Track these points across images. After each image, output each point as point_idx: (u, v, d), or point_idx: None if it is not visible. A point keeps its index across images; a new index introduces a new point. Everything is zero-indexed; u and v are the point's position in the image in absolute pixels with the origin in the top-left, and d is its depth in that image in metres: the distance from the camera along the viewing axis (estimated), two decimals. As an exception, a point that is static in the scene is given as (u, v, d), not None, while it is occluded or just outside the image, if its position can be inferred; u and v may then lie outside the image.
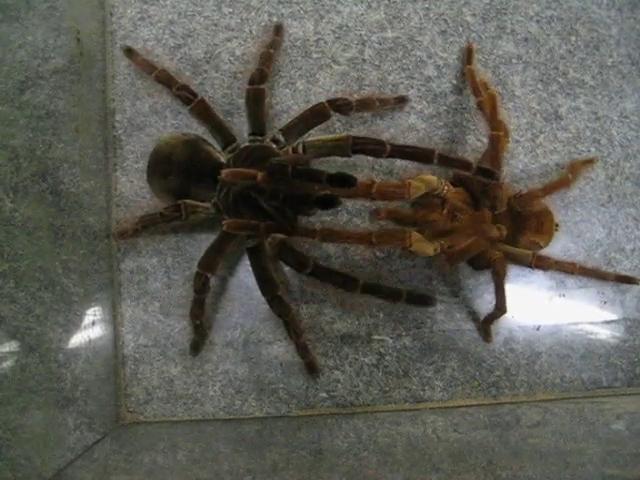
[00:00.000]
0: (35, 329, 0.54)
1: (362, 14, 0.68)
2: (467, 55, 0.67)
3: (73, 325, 0.60)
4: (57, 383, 0.56)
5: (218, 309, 0.66)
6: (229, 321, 0.66)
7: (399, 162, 0.66)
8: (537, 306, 0.65)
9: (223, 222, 0.56)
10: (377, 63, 0.68)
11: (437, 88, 0.68)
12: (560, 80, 0.68)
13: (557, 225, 0.62)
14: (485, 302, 0.65)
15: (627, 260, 0.67)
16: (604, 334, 0.66)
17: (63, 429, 0.56)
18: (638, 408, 0.63)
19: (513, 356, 0.65)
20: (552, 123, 0.68)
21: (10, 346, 0.51)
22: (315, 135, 0.63)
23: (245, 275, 0.66)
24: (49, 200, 0.58)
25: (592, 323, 0.66)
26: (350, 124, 0.67)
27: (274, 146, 0.62)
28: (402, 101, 0.67)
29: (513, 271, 0.63)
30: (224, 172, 0.53)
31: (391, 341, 0.65)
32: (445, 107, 0.68)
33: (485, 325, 0.64)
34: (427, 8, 0.69)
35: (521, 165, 0.67)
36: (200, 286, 0.61)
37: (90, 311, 0.62)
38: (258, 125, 0.63)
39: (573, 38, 0.69)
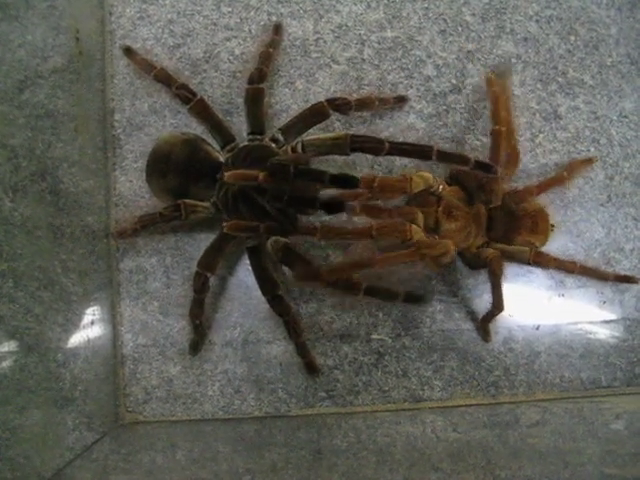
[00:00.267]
0: (34, 329, 0.54)
1: (361, 14, 0.68)
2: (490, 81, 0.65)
3: (72, 325, 0.60)
4: (56, 383, 0.56)
5: (217, 309, 0.66)
6: (228, 321, 0.66)
7: (398, 160, 0.66)
8: (536, 306, 0.65)
9: (224, 224, 0.56)
10: (376, 63, 0.68)
11: (436, 87, 0.68)
12: (559, 80, 0.68)
13: (553, 225, 0.62)
14: (484, 302, 0.65)
15: (626, 260, 0.67)
16: (603, 334, 0.66)
17: (62, 429, 0.56)
18: (637, 408, 0.63)
19: (512, 356, 0.65)
20: (551, 123, 0.68)
21: (9, 346, 0.51)
22: (314, 134, 0.63)
23: (245, 275, 0.65)
24: (48, 200, 0.58)
25: (591, 323, 0.66)
26: (349, 123, 0.67)
27: (273, 145, 0.62)
28: (401, 100, 0.67)
29: (512, 270, 0.63)
30: (227, 174, 0.53)
31: (390, 341, 0.65)
32: (444, 106, 0.68)
33: (484, 324, 0.64)
34: (426, 8, 0.69)
35: (520, 164, 0.67)
36: (199, 286, 0.61)
37: (89, 311, 0.62)
38: (257, 124, 0.63)
39: (572, 38, 0.69)
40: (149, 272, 0.67)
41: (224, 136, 0.64)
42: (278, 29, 0.67)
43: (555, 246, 0.65)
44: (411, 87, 0.68)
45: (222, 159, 0.62)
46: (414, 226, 0.55)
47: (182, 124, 0.68)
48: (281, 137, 0.62)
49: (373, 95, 0.64)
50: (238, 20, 0.69)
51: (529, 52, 0.68)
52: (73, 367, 0.58)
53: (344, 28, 0.68)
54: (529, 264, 0.59)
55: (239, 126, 0.67)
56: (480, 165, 0.55)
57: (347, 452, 0.56)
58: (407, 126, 0.67)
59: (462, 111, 0.68)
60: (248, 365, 0.65)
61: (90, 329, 0.62)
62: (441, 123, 0.68)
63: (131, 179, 0.68)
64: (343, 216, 0.65)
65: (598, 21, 0.69)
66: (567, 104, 0.68)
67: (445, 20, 0.68)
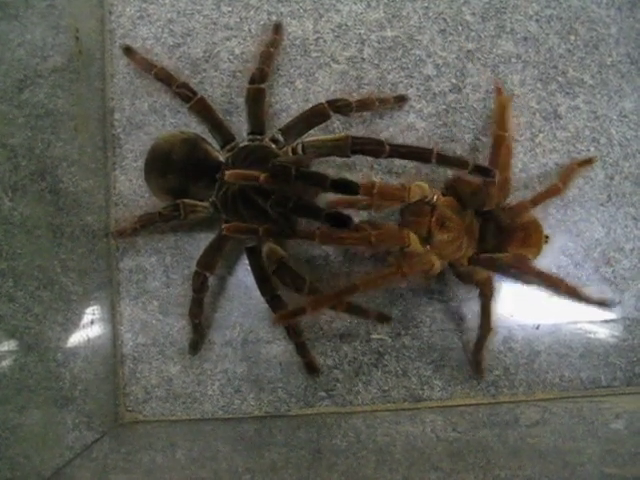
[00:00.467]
0: (34, 328, 0.54)
1: (361, 13, 0.68)
2: (497, 90, 0.66)
3: (72, 324, 0.60)
4: (56, 382, 0.56)
5: (217, 308, 0.66)
6: (228, 320, 0.66)
7: (398, 161, 0.66)
8: (536, 305, 0.65)
9: (223, 226, 0.56)
10: (376, 62, 0.68)
11: (436, 87, 0.68)
12: (559, 79, 0.68)
13: (547, 237, 0.61)
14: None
15: (626, 259, 0.67)
16: (603, 333, 0.66)
17: (62, 428, 0.56)
18: (637, 407, 0.63)
19: (512, 355, 0.65)
20: (551, 122, 0.68)
21: (9, 345, 0.51)
22: (314, 135, 0.63)
23: (244, 274, 0.65)
24: (48, 199, 0.58)
25: (591, 322, 0.66)
26: (349, 123, 0.67)
27: (273, 146, 0.62)
28: (401, 100, 0.67)
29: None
30: (227, 173, 0.53)
31: (390, 340, 0.65)
32: (444, 106, 0.68)
33: (476, 355, 0.63)
34: (426, 7, 0.68)
35: (520, 164, 0.67)
36: (199, 285, 0.61)
37: (89, 310, 0.62)
38: (258, 124, 0.63)
39: (572, 37, 0.69)
40: (149, 271, 0.67)
41: (224, 136, 0.64)
42: (278, 28, 0.67)
43: (555, 245, 0.65)
44: (411, 86, 0.68)
45: (222, 159, 0.62)
46: (412, 234, 0.55)
47: (182, 123, 0.68)
48: (281, 138, 0.62)
49: (373, 95, 0.64)
50: (238, 19, 0.69)
51: (529, 51, 0.68)
52: (73, 366, 0.58)
53: (344, 27, 0.68)
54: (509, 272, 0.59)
55: (239, 126, 0.67)
56: (479, 169, 0.55)
57: (347, 452, 0.56)
58: (407, 125, 0.67)
59: (462, 110, 0.68)
60: (248, 365, 0.65)
61: (90, 328, 0.62)
62: (441, 122, 0.68)
63: (131, 178, 0.68)
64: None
65: (598, 20, 0.69)
66: (567, 104, 0.68)
67: (445, 19, 0.68)
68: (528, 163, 0.67)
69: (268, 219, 0.57)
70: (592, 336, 0.66)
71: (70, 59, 0.62)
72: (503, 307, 0.65)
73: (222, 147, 0.64)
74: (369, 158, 0.65)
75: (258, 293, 0.60)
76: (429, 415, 0.62)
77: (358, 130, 0.67)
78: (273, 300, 0.60)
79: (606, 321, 0.66)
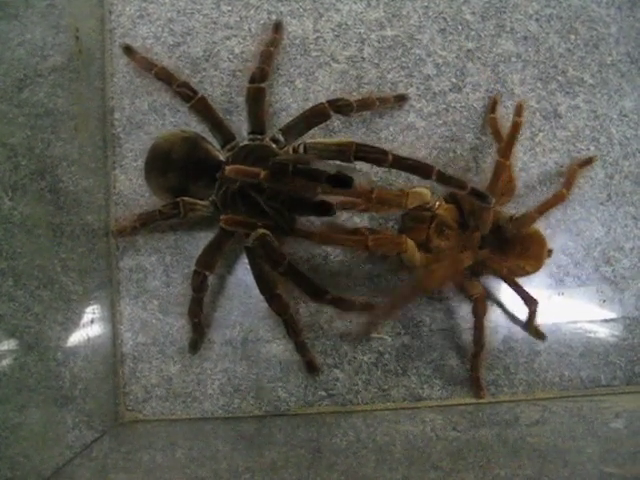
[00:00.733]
0: (34, 327, 0.54)
1: (361, 12, 0.68)
2: (492, 105, 0.66)
3: (72, 323, 0.60)
4: (56, 381, 0.56)
5: (217, 307, 0.66)
6: (228, 319, 0.66)
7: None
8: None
9: (221, 217, 0.56)
10: (376, 61, 0.68)
11: (436, 86, 0.68)
12: (559, 79, 0.68)
13: (550, 251, 0.61)
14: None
15: (626, 259, 0.67)
16: (603, 332, 0.66)
17: (62, 427, 0.56)
18: (637, 407, 0.63)
19: (512, 354, 0.65)
20: (551, 122, 0.68)
21: (9, 344, 0.51)
22: (317, 136, 0.63)
23: (244, 273, 0.65)
24: (48, 198, 0.58)
25: (591, 321, 0.66)
26: (349, 122, 0.67)
27: (273, 145, 0.62)
28: (402, 99, 0.67)
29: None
30: (228, 168, 0.53)
31: (390, 339, 0.65)
32: (444, 105, 0.68)
33: (475, 374, 0.63)
34: (426, 6, 0.68)
35: (520, 164, 0.67)
36: (198, 284, 0.61)
37: (89, 309, 0.62)
38: (258, 124, 0.63)
39: (572, 37, 0.69)
40: (149, 271, 0.67)
41: (224, 135, 0.64)
42: (278, 27, 0.67)
43: (556, 245, 0.65)
44: (411, 86, 0.68)
45: (222, 158, 0.62)
46: (409, 240, 0.55)
47: (182, 123, 0.68)
48: (281, 137, 0.62)
49: (373, 95, 0.64)
50: (238, 19, 0.69)
51: (529, 51, 0.68)
52: (73, 366, 0.58)
53: (344, 27, 0.68)
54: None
55: (239, 125, 0.67)
56: (476, 193, 0.55)
57: (347, 451, 0.56)
58: (407, 125, 0.67)
59: (462, 110, 0.68)
60: (248, 364, 0.65)
61: (90, 328, 0.62)
62: (441, 122, 0.67)
63: (131, 178, 0.68)
64: (342, 217, 0.65)
65: (598, 20, 0.69)
66: (567, 103, 0.68)
67: (445, 19, 0.68)
68: (528, 162, 0.67)
69: (268, 219, 0.57)
70: (592, 335, 0.66)
71: (70, 58, 0.62)
72: (503, 307, 0.65)
73: (222, 146, 0.64)
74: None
75: (258, 292, 0.60)
76: (429, 414, 0.62)
77: (357, 129, 0.67)
78: (272, 299, 0.60)
79: (606, 320, 0.66)
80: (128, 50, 0.67)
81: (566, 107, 0.68)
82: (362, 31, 0.68)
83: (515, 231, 0.60)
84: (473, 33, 0.68)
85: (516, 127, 0.59)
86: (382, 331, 0.65)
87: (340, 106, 0.61)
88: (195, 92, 0.63)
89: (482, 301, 0.59)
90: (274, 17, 0.68)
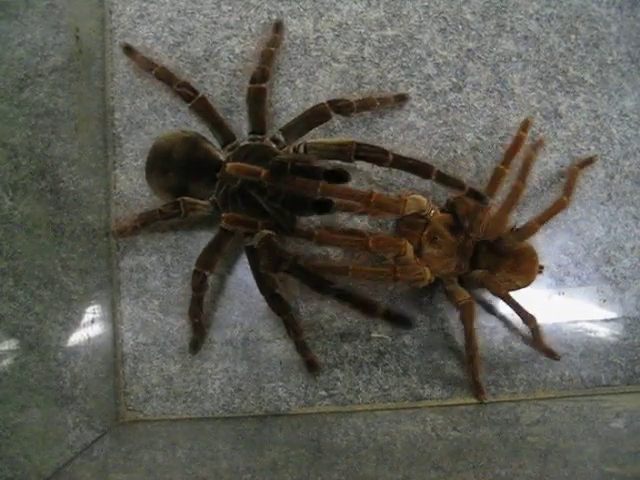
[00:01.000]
0: (34, 327, 0.54)
1: (362, 12, 0.68)
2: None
3: (72, 323, 0.60)
4: (56, 381, 0.56)
5: (217, 307, 0.66)
6: (228, 319, 0.66)
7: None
8: (536, 304, 0.65)
9: (222, 215, 0.56)
10: (377, 61, 0.68)
11: (437, 86, 0.68)
12: (560, 78, 0.68)
13: (541, 267, 0.61)
14: (483, 300, 0.65)
15: (626, 258, 0.67)
16: (603, 332, 0.66)
17: (62, 427, 0.56)
18: (637, 406, 0.63)
19: (512, 354, 0.65)
20: (552, 121, 0.68)
21: (9, 344, 0.51)
22: (318, 136, 0.63)
23: (244, 273, 0.65)
24: (48, 198, 0.58)
25: (591, 321, 0.66)
26: (349, 122, 0.67)
27: (274, 145, 0.62)
28: (402, 99, 0.67)
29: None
30: (229, 165, 0.53)
31: (390, 339, 0.65)
32: (445, 105, 0.68)
33: (474, 377, 0.62)
34: (427, 6, 0.68)
35: (520, 163, 0.67)
36: (198, 284, 0.61)
37: (89, 309, 0.62)
38: (258, 124, 0.63)
39: (573, 36, 0.69)
40: (149, 270, 0.67)
41: (225, 135, 0.64)
42: (279, 27, 0.67)
43: (556, 245, 0.65)
44: (411, 85, 0.68)
45: (222, 158, 0.62)
46: (409, 244, 0.56)
47: (182, 122, 0.68)
48: (282, 137, 0.62)
49: (374, 95, 0.64)
50: (238, 18, 0.68)
51: (529, 50, 0.68)
52: (73, 365, 0.58)
53: (344, 26, 0.68)
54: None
55: (239, 125, 0.67)
56: (474, 193, 0.56)
57: (347, 451, 0.56)
58: (407, 124, 0.67)
59: (462, 109, 0.68)
60: (248, 363, 0.65)
61: (90, 328, 0.62)
62: (441, 121, 0.67)
63: (131, 177, 0.68)
64: (342, 218, 0.65)
65: (598, 19, 0.69)
66: (567, 102, 0.68)
67: (445, 18, 0.68)
68: (528, 162, 0.67)
69: (268, 219, 0.57)
70: (592, 335, 0.66)
71: (70, 58, 0.62)
72: (504, 307, 0.65)
73: (223, 146, 0.64)
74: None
75: (258, 292, 0.60)
76: (429, 414, 0.62)
77: (358, 128, 0.67)
78: (272, 298, 0.60)
79: (607, 320, 0.66)
80: (128, 50, 0.67)
81: (566, 107, 0.68)
82: (362, 31, 0.68)
83: (509, 244, 0.60)
84: (473, 33, 0.68)
85: (519, 140, 0.62)
86: (383, 331, 0.65)
87: (340, 106, 0.61)
88: (195, 92, 0.64)
89: (469, 307, 0.60)
90: (274, 17, 0.68)
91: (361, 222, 0.66)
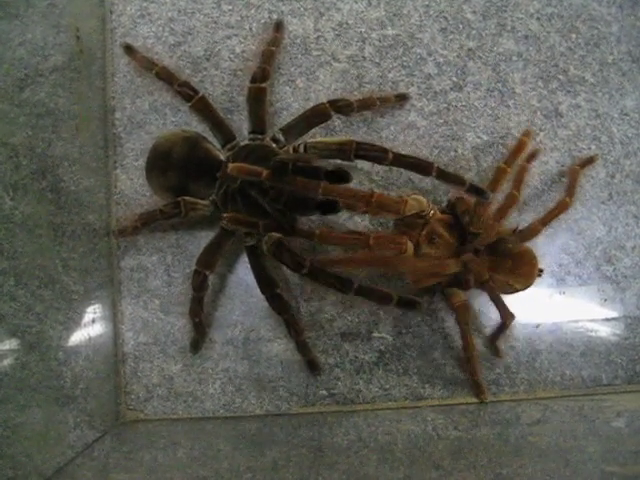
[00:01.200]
0: (35, 327, 0.54)
1: (362, 11, 0.68)
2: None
3: (73, 323, 0.60)
4: (57, 381, 0.56)
5: (218, 307, 0.66)
6: (229, 319, 0.66)
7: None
8: (537, 304, 0.65)
9: (224, 215, 0.56)
10: (377, 60, 0.68)
11: (437, 85, 0.68)
12: (560, 77, 0.68)
13: (541, 271, 0.61)
14: (484, 300, 0.65)
15: (627, 258, 0.67)
16: (604, 332, 0.66)
17: (63, 427, 0.56)
18: (638, 406, 0.63)
19: (513, 354, 0.65)
20: (552, 121, 0.68)
21: (10, 344, 0.51)
22: (318, 136, 0.63)
23: (245, 273, 0.65)
24: (49, 198, 0.58)
25: (592, 321, 0.66)
26: (350, 121, 0.67)
27: (274, 145, 0.62)
28: (403, 99, 0.67)
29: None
30: (231, 166, 0.53)
31: (391, 339, 0.65)
32: (445, 104, 0.68)
33: (474, 377, 0.63)
34: (427, 5, 0.68)
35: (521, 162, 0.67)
36: (198, 284, 0.61)
37: (90, 309, 0.62)
38: (259, 123, 0.63)
39: (573, 35, 0.69)
40: (150, 270, 0.67)
41: (225, 134, 0.64)
42: (279, 27, 0.67)
43: (557, 244, 0.65)
44: (412, 85, 0.68)
45: (222, 157, 0.62)
46: (410, 243, 0.56)
47: (182, 122, 0.68)
48: (282, 137, 0.62)
49: (374, 95, 0.64)
50: (239, 18, 0.68)
51: (530, 50, 0.68)
52: (74, 365, 0.58)
53: (345, 26, 0.68)
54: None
55: (239, 124, 0.67)
56: (474, 189, 0.56)
57: (348, 450, 0.56)
58: (408, 124, 0.67)
59: (463, 109, 0.68)
60: (249, 363, 0.65)
61: (91, 327, 0.62)
62: (442, 121, 0.67)
63: (132, 177, 0.68)
64: (343, 217, 0.65)
65: (599, 19, 0.69)
66: (568, 102, 0.68)
67: (446, 18, 0.68)
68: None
69: (268, 218, 0.57)
70: (593, 334, 0.66)
71: (71, 58, 0.62)
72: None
73: (223, 146, 0.64)
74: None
75: (259, 291, 0.60)
76: (430, 413, 0.62)
77: (358, 128, 0.67)
78: (273, 298, 0.60)
79: (607, 319, 0.66)
80: (129, 49, 0.67)
81: (567, 106, 0.68)
82: (363, 30, 0.68)
83: (510, 245, 0.60)
84: (474, 32, 0.68)
85: (523, 143, 0.63)
86: (383, 330, 0.65)
87: (341, 106, 0.61)
88: (196, 91, 0.64)
89: (464, 309, 0.60)
90: (275, 16, 0.68)
91: (362, 221, 0.66)
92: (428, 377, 0.65)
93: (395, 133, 0.67)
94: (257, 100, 0.63)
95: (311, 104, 0.63)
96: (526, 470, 0.50)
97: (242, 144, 0.63)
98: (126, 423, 0.65)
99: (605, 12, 0.69)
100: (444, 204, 0.63)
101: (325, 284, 0.56)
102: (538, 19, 0.69)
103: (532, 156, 0.65)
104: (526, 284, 0.61)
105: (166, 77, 0.65)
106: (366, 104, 0.63)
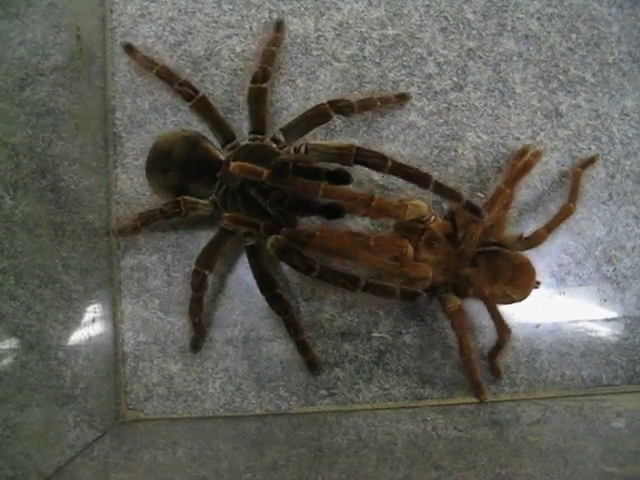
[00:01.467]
0: (35, 326, 0.54)
1: (362, 11, 0.68)
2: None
3: (73, 322, 0.60)
4: (57, 380, 0.56)
5: (218, 306, 0.66)
6: (229, 319, 0.66)
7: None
8: (537, 304, 0.65)
9: (225, 215, 0.56)
10: (377, 60, 0.68)
11: (437, 85, 0.68)
12: (561, 77, 0.68)
13: (538, 283, 0.61)
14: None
15: (627, 258, 0.67)
16: (604, 332, 0.66)
17: (63, 426, 0.56)
18: (638, 406, 0.63)
19: (513, 354, 0.65)
20: (553, 121, 0.68)
21: (10, 343, 0.51)
22: (318, 136, 0.63)
23: (245, 273, 0.65)
24: (49, 197, 0.58)
25: (592, 321, 0.66)
26: (350, 121, 0.67)
27: (274, 145, 0.62)
28: (403, 98, 0.67)
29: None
30: (233, 164, 0.53)
31: (391, 338, 0.65)
32: (445, 104, 0.68)
33: (473, 378, 0.63)
34: (427, 5, 0.68)
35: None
36: (198, 284, 0.61)
37: (90, 308, 0.62)
38: (259, 124, 0.63)
39: (574, 35, 0.69)
40: (150, 270, 0.67)
41: (225, 134, 0.64)
42: (280, 26, 0.67)
43: (557, 244, 0.65)
44: (412, 85, 0.68)
45: (222, 157, 0.62)
46: (410, 246, 0.56)
47: (183, 122, 0.68)
48: (282, 137, 0.62)
49: (375, 95, 0.64)
50: (239, 18, 0.68)
51: (530, 50, 0.68)
52: (74, 365, 0.58)
53: (345, 26, 0.68)
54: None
55: (240, 124, 0.67)
56: (470, 206, 0.55)
57: (348, 450, 0.56)
58: (408, 124, 0.67)
59: (463, 109, 0.67)
60: (249, 363, 0.65)
61: (91, 327, 0.62)
62: (442, 121, 0.67)
63: (132, 177, 0.68)
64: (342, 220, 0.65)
65: (600, 19, 0.69)
66: (568, 102, 0.68)
67: (446, 18, 0.68)
68: (529, 161, 0.67)
69: (268, 218, 0.57)
70: (593, 335, 0.66)
71: (71, 57, 0.62)
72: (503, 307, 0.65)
73: (223, 146, 0.64)
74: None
75: (258, 291, 0.60)
76: (430, 413, 0.62)
77: (359, 127, 0.67)
78: (273, 298, 0.60)
79: (607, 319, 0.66)
80: (129, 49, 0.67)
81: (567, 106, 0.68)
82: (363, 30, 0.68)
83: (525, 249, 0.60)
84: (474, 32, 0.68)
85: (527, 165, 0.62)
86: (383, 330, 0.65)
87: (341, 107, 0.61)
88: (196, 91, 0.64)
89: (458, 314, 0.60)
90: (275, 16, 0.68)
91: (362, 221, 0.66)
92: (428, 377, 0.65)
93: (395, 133, 0.67)
94: (258, 100, 0.63)
95: (311, 104, 0.63)
96: (526, 470, 0.50)
97: (242, 144, 0.63)
98: (126, 423, 0.65)
99: (606, 12, 0.69)
100: (447, 210, 0.63)
101: (335, 284, 0.56)
102: (538, 19, 0.68)
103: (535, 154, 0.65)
104: (523, 295, 0.61)
105: (166, 76, 0.65)
106: (366, 105, 0.63)
